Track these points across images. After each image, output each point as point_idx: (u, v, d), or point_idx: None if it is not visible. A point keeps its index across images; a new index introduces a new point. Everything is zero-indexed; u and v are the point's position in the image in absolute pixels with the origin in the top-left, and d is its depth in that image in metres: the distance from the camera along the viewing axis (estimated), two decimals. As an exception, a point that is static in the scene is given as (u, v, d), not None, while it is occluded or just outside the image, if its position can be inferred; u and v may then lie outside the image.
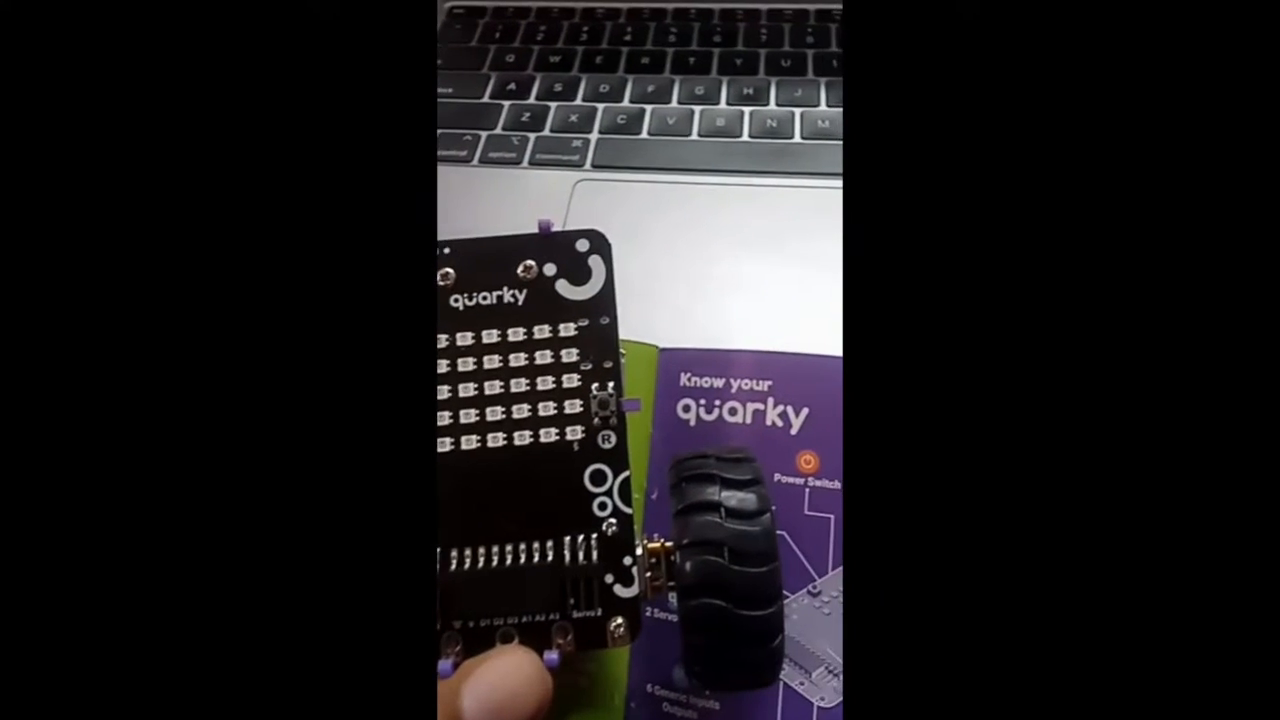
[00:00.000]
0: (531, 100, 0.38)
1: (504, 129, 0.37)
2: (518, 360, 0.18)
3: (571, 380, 0.18)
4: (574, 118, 0.37)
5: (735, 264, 0.30)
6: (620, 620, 0.17)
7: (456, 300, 0.18)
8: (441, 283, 0.18)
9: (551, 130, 0.37)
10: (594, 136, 0.36)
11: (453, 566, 0.17)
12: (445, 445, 0.17)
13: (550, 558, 0.17)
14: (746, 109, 0.36)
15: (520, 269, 0.18)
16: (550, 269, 0.18)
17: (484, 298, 0.18)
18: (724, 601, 0.16)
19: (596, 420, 0.17)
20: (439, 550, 0.17)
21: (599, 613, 0.17)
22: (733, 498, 0.16)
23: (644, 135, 0.36)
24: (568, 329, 0.18)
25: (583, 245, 0.18)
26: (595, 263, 0.18)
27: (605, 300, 0.18)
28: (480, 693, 0.15)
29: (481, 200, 0.34)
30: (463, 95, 0.39)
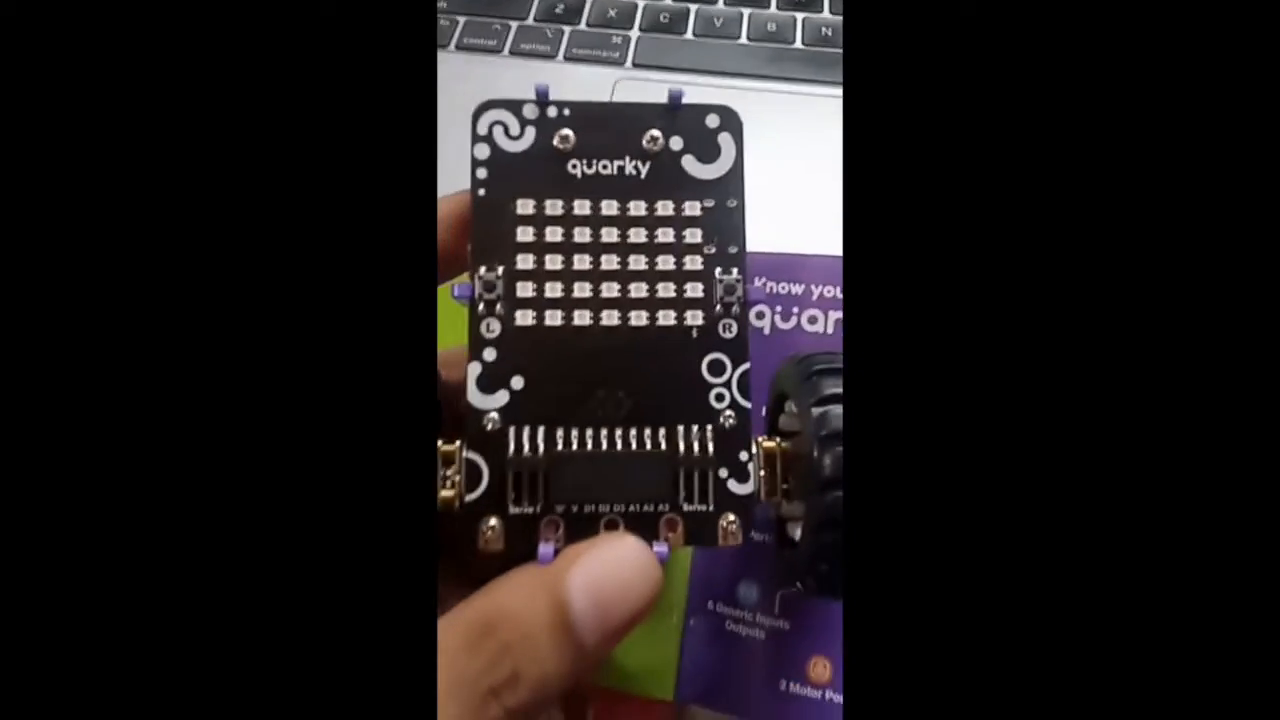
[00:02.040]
0: (566, -10, 0.36)
1: (536, 20, 0.35)
2: (637, 236, 0.16)
3: (694, 262, 0.16)
4: (613, 13, 0.35)
5: (794, 172, 0.29)
6: (733, 517, 0.15)
7: (575, 166, 0.16)
8: (560, 146, 0.16)
9: (589, 24, 0.34)
10: (635, 33, 0.34)
11: (558, 446, 0.15)
12: (556, 319, 0.16)
13: (663, 446, 0.15)
14: (799, 15, 0.34)
15: (645, 139, 0.16)
16: (677, 143, 0.16)
17: (604, 166, 0.16)
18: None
19: (719, 307, 0.16)
20: (544, 427, 0.15)
21: (711, 507, 0.15)
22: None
23: (689, 35, 0.34)
24: (693, 208, 0.16)
25: (713, 120, 0.17)
26: (725, 140, 0.16)
27: (734, 181, 0.16)
28: (589, 581, 0.14)
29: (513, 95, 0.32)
30: (490, -19, 0.36)
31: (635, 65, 0.33)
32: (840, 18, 0.34)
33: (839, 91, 0.32)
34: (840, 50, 0.33)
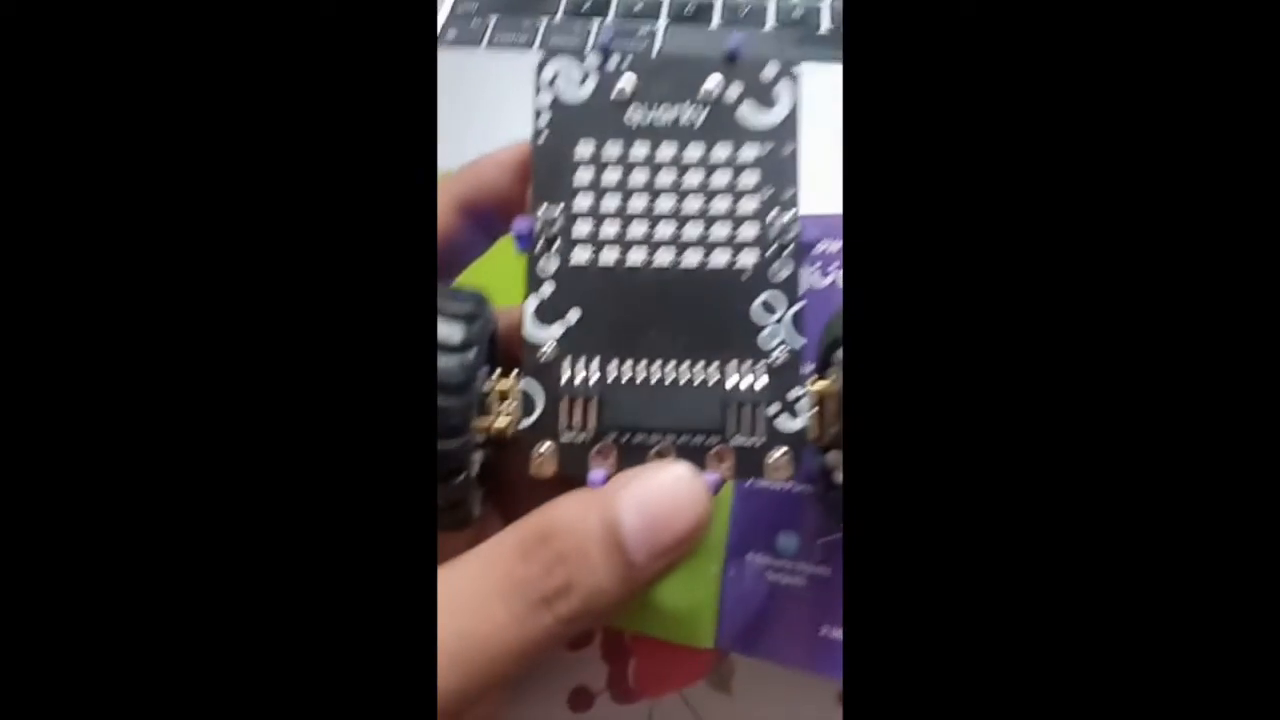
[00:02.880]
0: (593, -13, 0.37)
1: (566, 15, 0.36)
2: (694, 179, 0.17)
3: (749, 206, 0.17)
4: (639, 6, 0.36)
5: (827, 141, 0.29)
6: (784, 451, 0.16)
7: (634, 112, 0.17)
8: (619, 95, 0.17)
9: (617, 18, 0.35)
10: (662, 24, 0.35)
11: (610, 378, 0.16)
12: (611, 257, 0.16)
13: (714, 380, 0.16)
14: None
15: (703, 88, 0.17)
16: (734, 91, 0.17)
17: (663, 112, 0.17)
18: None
19: (774, 248, 0.17)
20: (598, 357, 0.16)
21: (762, 441, 0.16)
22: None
23: (714, 25, 0.35)
24: (749, 153, 0.17)
25: (771, 70, 0.17)
26: (782, 90, 0.17)
27: (790, 128, 0.17)
28: (641, 502, 0.14)
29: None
30: (519, -20, 0.37)
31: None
32: None
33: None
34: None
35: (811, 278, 0.23)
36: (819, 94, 0.31)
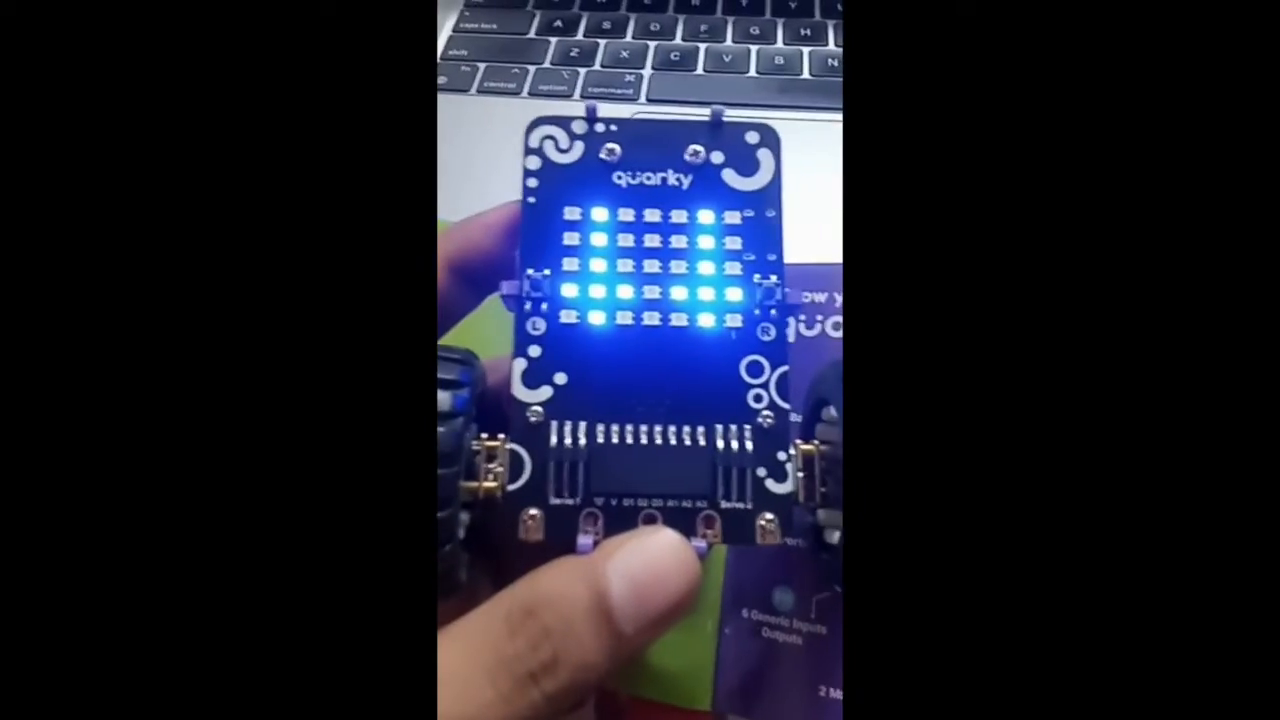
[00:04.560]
0: (580, 37, 0.37)
1: (553, 63, 0.36)
2: (679, 242, 0.17)
3: (733, 269, 0.17)
4: (625, 54, 0.36)
5: (815, 188, 0.29)
6: (771, 516, 0.16)
7: (620, 177, 0.17)
8: (606, 158, 0.17)
9: (603, 65, 0.36)
10: (648, 71, 0.35)
11: (599, 441, 0.15)
12: (599, 319, 0.16)
13: (702, 443, 0.16)
14: (805, 48, 0.36)
15: (688, 153, 0.17)
16: (718, 157, 0.17)
17: (648, 177, 0.17)
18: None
19: (757, 311, 0.17)
20: (585, 421, 0.16)
21: (749, 506, 0.16)
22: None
23: (699, 71, 0.35)
24: (733, 217, 0.17)
25: (753, 137, 0.17)
26: (764, 155, 0.17)
27: (772, 193, 0.17)
28: (628, 570, 0.14)
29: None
30: (508, 31, 0.38)
31: (649, 100, 0.34)
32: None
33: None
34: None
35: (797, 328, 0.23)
36: (797, 145, 0.31)
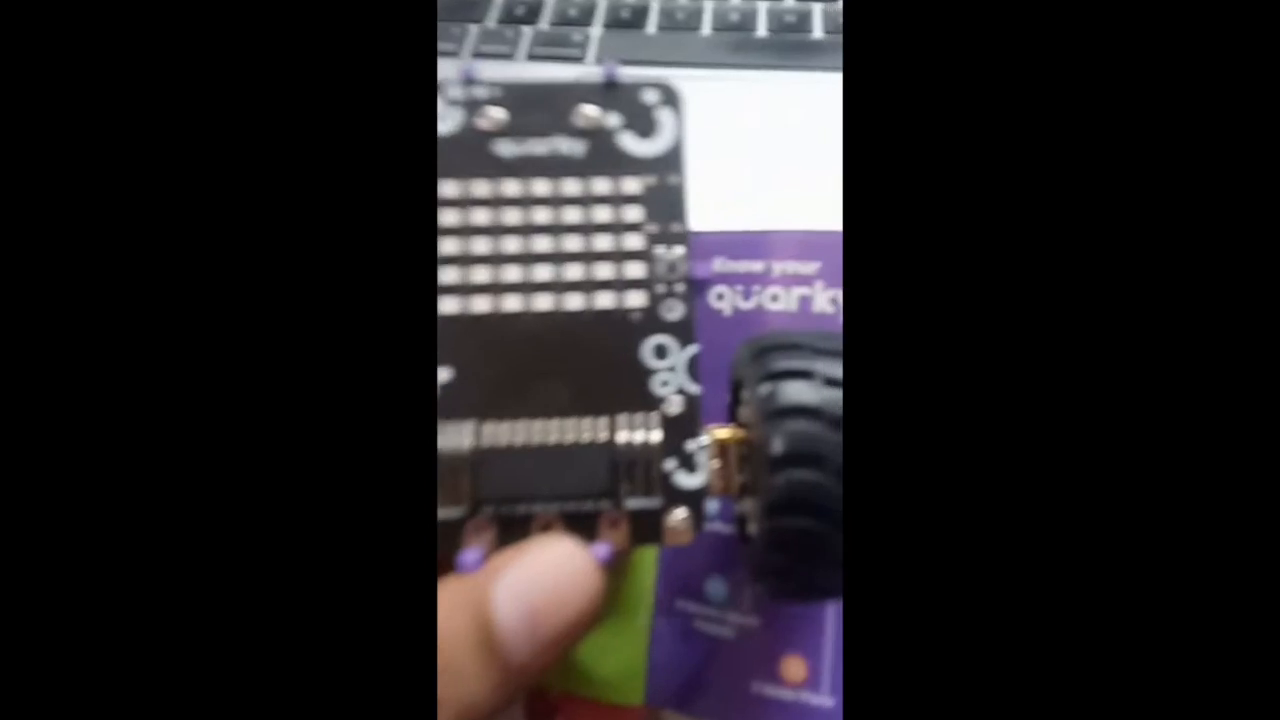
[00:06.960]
0: (526, -8, 0.35)
1: (499, 22, 0.34)
2: (572, 216, 0.15)
3: (634, 242, 0.15)
4: (573, 11, 0.34)
5: (758, 150, 0.28)
6: (682, 513, 0.14)
7: (504, 145, 0.15)
8: (486, 126, 0.15)
9: (550, 24, 0.34)
10: (596, 30, 0.33)
11: (485, 442, 0.14)
12: (483, 306, 0.15)
13: (602, 437, 0.14)
14: (761, 4, 0.34)
15: (580, 117, 0.15)
16: (614, 120, 0.16)
17: (535, 145, 0.15)
18: (822, 477, 0.13)
19: (661, 287, 0.15)
20: (473, 421, 0.14)
21: (657, 503, 0.14)
22: (830, 366, 0.14)
23: (651, 30, 0.33)
24: (632, 185, 0.15)
25: (651, 96, 0.16)
26: (665, 115, 0.16)
27: (675, 157, 0.16)
28: (517, 589, 0.13)
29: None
30: (449, -13, 0.36)
31: (598, 62, 0.32)
32: (804, 3, 0.34)
33: (805, 75, 0.31)
34: (804, 35, 0.32)
35: (714, 303, 0.21)
36: (750, 99, 0.29)
